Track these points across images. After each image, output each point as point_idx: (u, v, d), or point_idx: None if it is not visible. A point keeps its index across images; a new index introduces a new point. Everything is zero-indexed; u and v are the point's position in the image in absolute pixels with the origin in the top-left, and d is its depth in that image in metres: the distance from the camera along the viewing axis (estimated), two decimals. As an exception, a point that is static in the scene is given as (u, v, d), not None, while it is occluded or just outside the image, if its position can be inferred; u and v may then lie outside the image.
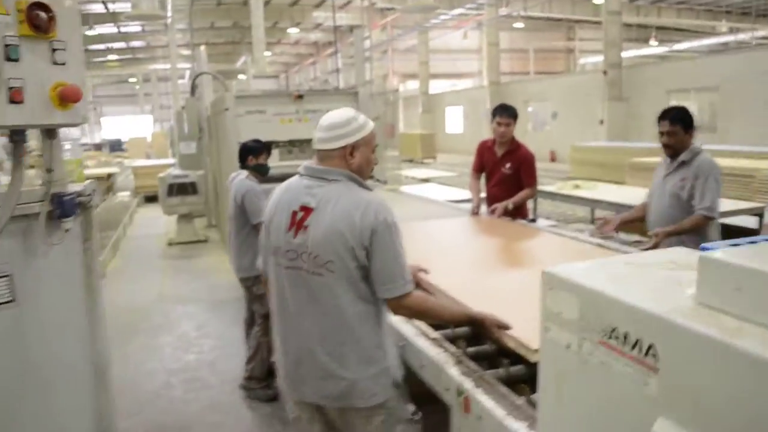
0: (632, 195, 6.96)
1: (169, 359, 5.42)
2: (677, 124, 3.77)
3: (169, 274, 8.61)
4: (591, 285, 1.37)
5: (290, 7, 30.88)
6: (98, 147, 44.57)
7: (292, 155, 8.29)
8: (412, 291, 2.21)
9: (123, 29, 33.61)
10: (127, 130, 52.10)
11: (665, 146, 3.87)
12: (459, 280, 3.02)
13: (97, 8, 27.65)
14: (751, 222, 5.91)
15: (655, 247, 3.45)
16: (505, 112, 4.91)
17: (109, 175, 17.78)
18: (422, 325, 2.60)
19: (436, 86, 35.91)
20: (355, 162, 2.25)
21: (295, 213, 2.23)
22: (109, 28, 32.09)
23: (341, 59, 36.73)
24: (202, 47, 25.62)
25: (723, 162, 9.44)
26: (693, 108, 19.78)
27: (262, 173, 4.71)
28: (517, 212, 4.90)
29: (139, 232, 12.12)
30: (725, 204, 6.09)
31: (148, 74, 46.68)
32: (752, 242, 1.68)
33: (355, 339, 2.21)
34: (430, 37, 32.88)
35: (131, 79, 50.53)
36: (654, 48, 34.68)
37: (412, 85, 37.64)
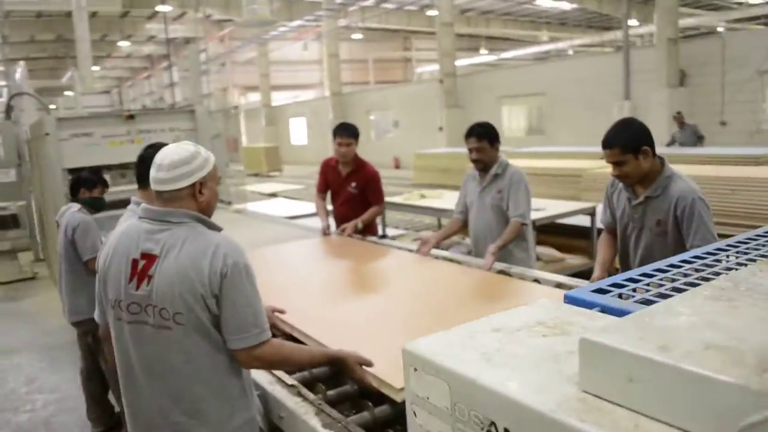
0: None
1: (-7, 422, 4.79)
2: (484, 139, 3.92)
3: (-8, 320, 7.71)
4: (462, 371, 1.19)
5: (120, 19, 29.21)
6: None
7: (126, 179, 7.73)
8: (267, 339, 2.00)
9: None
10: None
11: (475, 161, 3.98)
12: (315, 313, 2.89)
13: None
14: (585, 221, 6.26)
15: (491, 262, 3.56)
16: (345, 132, 4.86)
17: None
18: (277, 371, 2.40)
19: (278, 98, 35.58)
20: (205, 199, 2.09)
21: (135, 261, 2.01)
22: None
23: (178, 72, 35.34)
24: (21, 63, 23.62)
25: (553, 163, 10.16)
26: (523, 112, 21.09)
27: (96, 208, 4.32)
28: (367, 230, 4.90)
29: (-47, 273, 10.79)
30: (561, 206, 6.45)
31: (-43, 93, 42.33)
32: (616, 284, 1.63)
33: (214, 392, 2.01)
34: (270, 48, 32.51)
35: (-61, 100, 45.59)
36: (484, 56, 36.63)
37: (254, 97, 37.04)
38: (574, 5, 27.26)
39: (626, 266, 3.15)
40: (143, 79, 45.86)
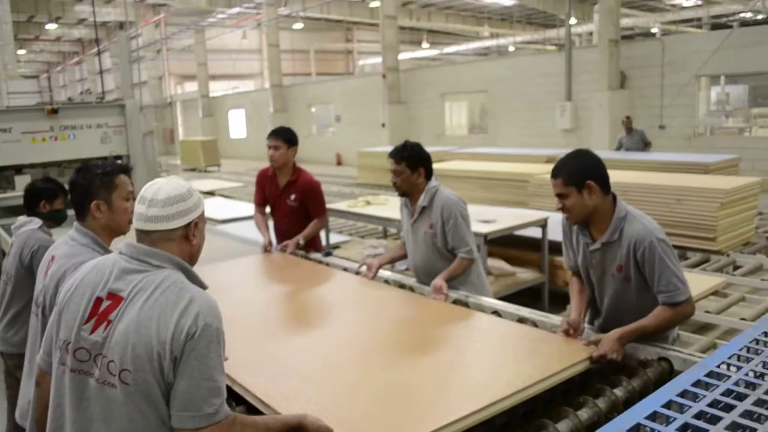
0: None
1: None
2: (402, 162, 3.49)
3: None
4: None
5: (48, 0, 27.77)
6: None
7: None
8: (218, 421, 1.64)
9: None
10: None
11: (394, 186, 3.59)
12: (258, 360, 2.51)
13: None
14: (536, 232, 6.09)
15: (443, 297, 3.30)
16: (275, 135, 4.50)
17: None
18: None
19: (216, 88, 34.60)
20: (197, 243, 1.86)
21: (99, 300, 1.73)
22: None
23: (111, 58, 33.96)
24: (-63, 45, 22.18)
25: (498, 167, 10.02)
26: (464, 110, 21.04)
27: (58, 222, 3.70)
28: (310, 245, 4.61)
29: None
30: (512, 217, 6.26)
31: None
32: None
33: None
34: (208, 36, 31.53)
35: None
36: (427, 51, 36.57)
37: (191, 86, 35.91)
38: (515, 1, 27.44)
39: (596, 311, 2.95)
40: (73, 64, 43.95)
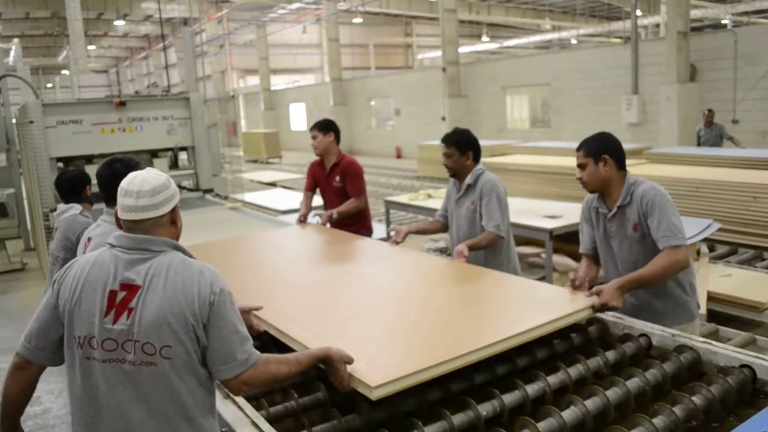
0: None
1: (-33, 437, 4.45)
2: (452, 146, 3.86)
3: (-26, 315, 7.35)
4: None
5: (116, -2, 28.65)
6: None
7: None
8: (257, 362, 1.89)
9: None
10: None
11: (448, 170, 3.96)
12: (290, 309, 2.77)
13: None
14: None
15: (462, 256, 3.55)
16: (315, 126, 4.97)
17: None
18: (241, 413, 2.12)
19: (277, 82, 35.05)
20: (180, 225, 2.03)
21: (113, 293, 1.83)
22: None
23: (176, 53, 34.80)
24: (15, 40, 23.10)
25: (561, 161, 9.79)
26: (526, 103, 20.67)
27: (92, 204, 4.03)
28: (358, 226, 4.85)
29: (-62, 260, 10.42)
30: (579, 213, 6.08)
31: (-49, 70, 41.66)
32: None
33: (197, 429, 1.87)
34: (269, 31, 31.94)
35: (-69, 76, 44.85)
36: (487, 44, 36.15)
37: (253, 80, 36.48)
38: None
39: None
40: (141, 59, 45.23)
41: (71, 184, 4.04)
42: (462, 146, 3.84)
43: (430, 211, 7.02)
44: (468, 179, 3.87)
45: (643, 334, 2.64)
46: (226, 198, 7.63)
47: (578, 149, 3.10)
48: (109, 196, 2.88)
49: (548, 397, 2.24)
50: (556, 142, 14.28)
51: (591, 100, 17.22)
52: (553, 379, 2.28)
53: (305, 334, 2.39)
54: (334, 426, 2.05)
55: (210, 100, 9.79)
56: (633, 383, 2.24)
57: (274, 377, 1.96)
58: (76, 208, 3.85)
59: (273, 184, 12.79)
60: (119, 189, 1.94)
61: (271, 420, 2.09)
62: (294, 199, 8.86)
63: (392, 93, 25.65)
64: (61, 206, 4.02)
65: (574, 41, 33.75)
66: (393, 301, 2.94)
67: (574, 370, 2.35)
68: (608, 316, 2.85)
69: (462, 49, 23.91)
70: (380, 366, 2.08)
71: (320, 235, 4.51)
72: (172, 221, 1.97)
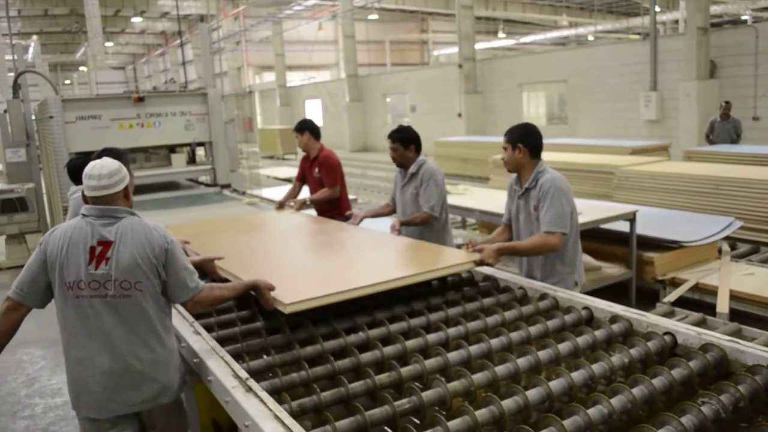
0: (499, 202, 6.81)
1: (-10, 430, 4.49)
2: (397, 142, 4.50)
3: (-7, 308, 7.41)
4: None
5: (133, -5, 28.84)
6: None
7: (136, 164, 7.39)
8: (202, 288, 2.64)
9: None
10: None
11: (392, 159, 4.59)
12: (244, 261, 3.60)
13: None
14: (624, 226, 5.84)
15: (398, 233, 4.26)
16: (295, 128, 5.72)
17: None
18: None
19: (293, 78, 35.09)
20: (131, 197, 2.70)
21: (93, 248, 2.48)
22: None
23: (193, 50, 34.93)
24: (34, 37, 23.30)
25: (581, 158, 9.71)
26: (542, 100, 20.52)
27: None
28: (332, 213, 5.36)
29: (-41, 255, 10.54)
30: (599, 210, 6.03)
31: (-29, 66, 42.08)
32: None
33: (162, 344, 2.58)
34: (285, 28, 31.98)
35: (-48, 72, 45.33)
36: (503, 40, 35.95)
37: (269, 77, 36.56)
38: (597, -10, 26.64)
39: None
40: (158, 56, 45.47)
41: (78, 170, 4.27)
42: (405, 141, 4.49)
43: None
44: (412, 168, 4.50)
45: (668, 332, 2.60)
46: (243, 193, 7.62)
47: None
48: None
49: (574, 394, 2.22)
50: (574, 139, 14.16)
51: (609, 96, 17.07)
52: (578, 376, 2.26)
53: (244, 274, 3.15)
54: (261, 343, 2.78)
55: (227, 96, 9.82)
56: (659, 381, 2.20)
57: (217, 299, 2.77)
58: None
59: (289, 180, 12.74)
60: (84, 173, 2.56)
61: (294, 414, 2.09)
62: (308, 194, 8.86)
63: (408, 89, 25.59)
64: (73, 188, 4.70)
65: (590, 38, 33.47)
66: (314, 255, 4.07)
67: (599, 367, 2.32)
68: (632, 313, 2.81)
69: (478, 46, 23.79)
70: (294, 292, 2.83)
71: (288, 217, 5.30)
72: (125, 195, 2.63)
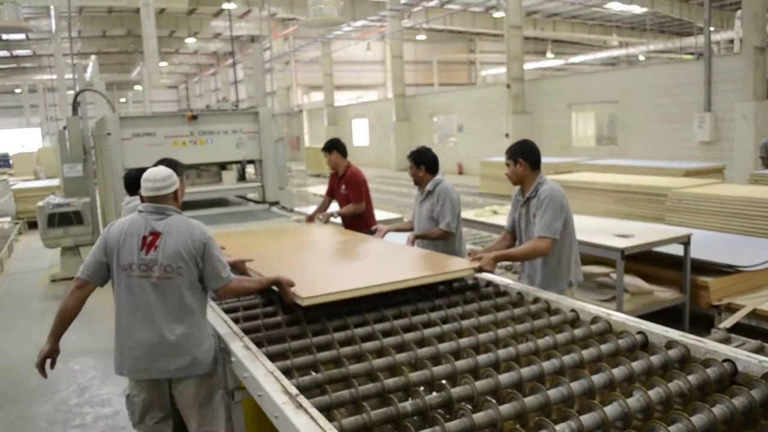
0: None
1: (42, 436, 4.60)
2: (412, 162, 4.91)
3: (50, 319, 7.58)
4: None
5: (187, 16, 29.62)
6: (-20, 163, 41.32)
7: (187, 181, 7.53)
8: (232, 279, 3.14)
9: (5, 37, 31.26)
10: (14, 144, 48.58)
11: (413, 179, 4.97)
12: (272, 264, 3.91)
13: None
14: (677, 249, 5.69)
15: (412, 243, 4.73)
16: (323, 148, 6.16)
17: (-15, 200, 16.19)
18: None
19: (341, 98, 35.47)
20: (180, 199, 3.25)
21: (145, 238, 3.03)
22: (-13, 37, 29.83)
23: (243, 70, 35.65)
24: (93, 57, 24.13)
25: (630, 179, 9.52)
26: (591, 120, 20.24)
27: None
28: (360, 226, 5.65)
29: (19, 266, 10.93)
30: (652, 232, 5.89)
31: (34, 85, 43.75)
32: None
33: (195, 323, 3.05)
34: (334, 48, 32.42)
35: (16, 90, 47.18)
36: (551, 60, 35.73)
37: (317, 96, 37.04)
38: (645, 9, 26.24)
39: None
40: (209, 75, 46.55)
41: (134, 181, 4.94)
42: (416, 162, 4.88)
43: (495, 228, 6.92)
44: (428, 186, 4.86)
45: (727, 360, 2.51)
46: (291, 210, 7.70)
47: (505, 153, 4.07)
48: (131, 193, 4.28)
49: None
50: (625, 160, 13.91)
51: (661, 117, 16.75)
52: (634, 402, 2.20)
53: (270, 274, 3.43)
54: (281, 333, 3.14)
55: (277, 115, 9.96)
56: (719, 410, 2.13)
57: (245, 290, 3.28)
58: (137, 200, 4.48)
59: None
60: (142, 177, 3.12)
61: (343, 431, 2.08)
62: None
63: (455, 109, 25.59)
64: (127, 198, 5.17)
65: (641, 57, 33.01)
66: (332, 259, 4.57)
67: (655, 393, 2.25)
68: (689, 339, 2.73)
69: (526, 66, 23.69)
70: (310, 288, 3.22)
71: (317, 229, 5.71)
72: (174, 197, 3.16)
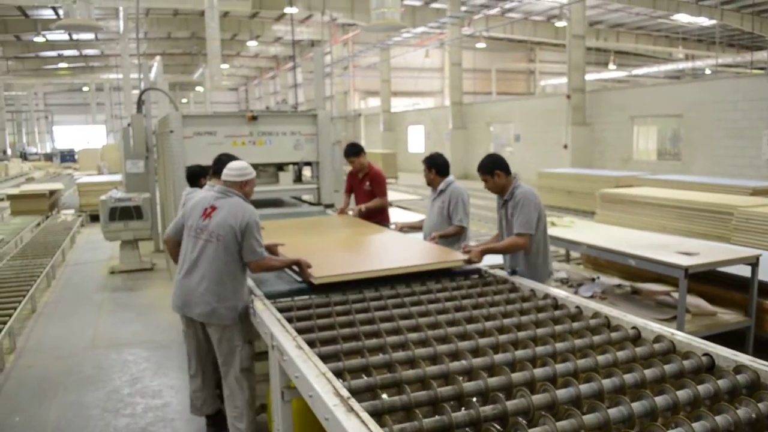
0: (607, 237, 6.53)
1: (96, 425, 4.67)
2: (426, 166, 5.41)
3: (107, 310, 7.83)
4: None
5: (250, 20, 30.15)
6: (49, 157, 42.87)
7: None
8: (264, 257, 3.85)
9: (75, 36, 32.44)
10: (80, 140, 50.33)
11: (427, 182, 5.48)
12: (297, 247, 4.57)
13: (48, 14, 26.56)
14: (744, 270, 5.45)
15: (434, 240, 5.05)
16: (346, 154, 6.70)
17: (52, 192, 16.77)
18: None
19: (397, 104, 35.52)
20: (247, 190, 4.00)
21: (206, 209, 3.90)
22: (60, 35, 30.93)
23: (301, 74, 36.13)
24: (158, 58, 24.77)
25: (695, 196, 9.19)
26: (653, 135, 19.68)
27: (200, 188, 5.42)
28: (380, 219, 6.42)
29: (80, 257, 11.26)
30: (717, 251, 5.67)
31: (101, 83, 45.27)
32: None
33: (222, 281, 3.77)
34: (392, 54, 32.50)
35: (84, 88, 48.93)
36: (613, 72, 35.01)
37: (373, 102, 37.19)
38: (714, 21, 25.45)
39: None
40: (268, 78, 47.30)
41: (194, 175, 5.98)
42: (428, 165, 5.40)
43: (552, 240, 6.77)
44: (441, 186, 5.36)
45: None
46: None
47: (479, 170, 4.49)
48: (215, 172, 4.60)
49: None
50: (689, 176, 13.47)
51: (728, 133, 16.16)
52: (699, 427, 2.09)
53: (293, 255, 4.15)
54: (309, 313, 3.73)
55: (335, 119, 10.00)
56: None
57: (271, 266, 3.99)
58: (197, 191, 5.28)
59: (390, 204, 12.79)
60: (226, 167, 3.99)
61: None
62: (409, 217, 8.84)
63: (512, 118, 25.31)
64: (188, 189, 5.85)
65: (707, 71, 32.01)
66: (348, 246, 5.21)
67: (722, 419, 2.14)
68: (759, 364, 2.59)
69: (588, 76, 23.26)
70: (324, 269, 3.97)
71: (346, 219, 6.43)
72: (241, 186, 3.95)
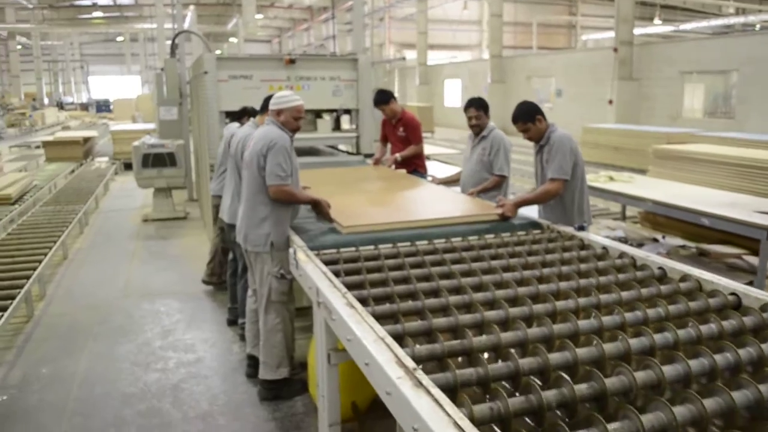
0: (670, 193, 6.06)
1: (126, 380, 4.43)
2: (481, 110, 5.05)
3: (139, 258, 7.60)
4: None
5: (285, -32, 29.42)
6: (84, 107, 43.07)
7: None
8: (286, 185, 3.79)
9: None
10: (116, 90, 50.45)
11: (474, 127, 5.09)
12: (325, 191, 4.38)
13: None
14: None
15: (472, 194, 4.78)
16: (377, 103, 6.43)
17: (86, 140, 16.63)
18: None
19: (434, 57, 34.64)
20: (282, 119, 3.92)
21: (249, 141, 4.08)
22: (94, -16, 30.61)
23: (337, 26, 35.34)
24: (191, 7, 24.34)
25: (756, 154, 8.58)
26: (701, 91, 18.70)
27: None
28: (415, 167, 6.26)
29: (113, 205, 11.10)
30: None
31: (135, 34, 44.99)
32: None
33: (253, 207, 3.89)
34: (429, 5, 31.52)
35: (119, 38, 48.73)
36: (658, 27, 33.58)
37: (410, 55, 36.34)
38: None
39: None
40: (302, 30, 46.50)
41: (238, 113, 5.78)
42: (484, 108, 5.05)
43: (614, 195, 6.31)
44: (484, 132, 5.06)
45: None
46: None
47: (515, 122, 4.21)
48: (262, 109, 4.68)
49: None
50: (744, 134, 12.72)
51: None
52: (721, 360, 2.01)
53: (317, 195, 4.03)
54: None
55: (377, 63, 9.53)
56: None
57: (291, 197, 3.84)
58: (233, 124, 5.63)
59: (428, 158, 12.39)
60: (273, 96, 4.04)
61: (476, 422, 1.67)
62: (447, 171, 8.43)
63: (554, 73, 24.42)
64: (231, 125, 5.75)
65: (758, 27, 30.42)
66: (379, 194, 5.08)
67: (746, 354, 1.75)
68: None
69: (635, 31, 22.20)
70: (352, 218, 3.85)
71: (379, 169, 6.17)
72: (277, 113, 3.91)
